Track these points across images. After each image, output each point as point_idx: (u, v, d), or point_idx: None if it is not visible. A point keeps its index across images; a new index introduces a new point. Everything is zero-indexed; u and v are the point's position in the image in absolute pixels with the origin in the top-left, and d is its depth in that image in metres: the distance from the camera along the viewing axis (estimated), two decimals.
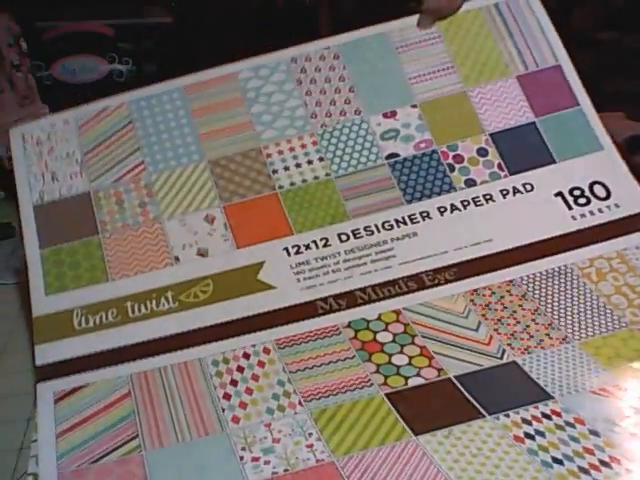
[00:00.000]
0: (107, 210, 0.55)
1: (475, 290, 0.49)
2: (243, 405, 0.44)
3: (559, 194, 0.53)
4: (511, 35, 0.57)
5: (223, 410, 0.44)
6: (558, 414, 0.41)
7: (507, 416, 0.41)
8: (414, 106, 0.57)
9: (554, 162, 0.54)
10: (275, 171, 0.55)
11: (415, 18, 0.58)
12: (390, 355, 0.46)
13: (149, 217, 0.54)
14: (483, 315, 0.48)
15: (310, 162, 0.55)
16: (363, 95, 0.57)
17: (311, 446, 0.41)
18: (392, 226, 0.53)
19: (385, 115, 0.56)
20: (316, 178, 0.55)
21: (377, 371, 0.45)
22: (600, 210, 0.52)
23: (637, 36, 0.71)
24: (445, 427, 0.41)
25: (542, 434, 0.39)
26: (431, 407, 0.43)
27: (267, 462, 0.40)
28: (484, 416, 0.41)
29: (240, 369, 0.46)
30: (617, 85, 0.54)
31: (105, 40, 0.81)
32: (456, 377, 0.44)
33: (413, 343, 0.47)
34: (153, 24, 0.82)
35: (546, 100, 0.56)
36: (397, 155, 0.55)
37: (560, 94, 0.56)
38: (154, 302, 0.51)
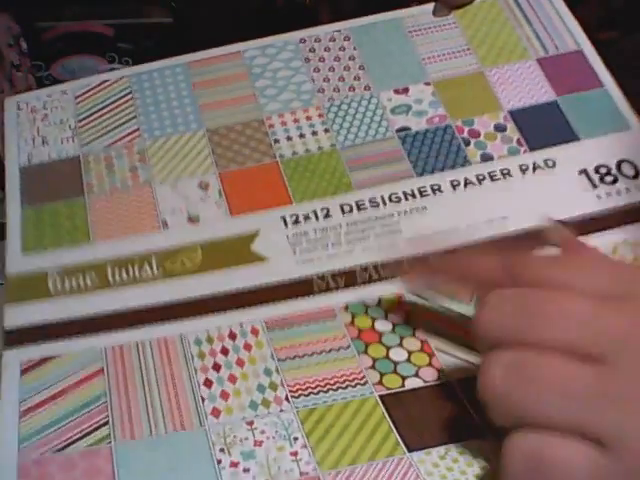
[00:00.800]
0: (95, 173, 0.50)
1: None
2: (225, 395, 0.40)
3: (583, 171, 0.48)
4: (529, 22, 0.54)
5: (203, 400, 0.39)
6: None
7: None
8: (427, 83, 0.52)
9: (578, 139, 0.49)
10: (277, 140, 0.50)
11: (430, 6, 0.55)
12: (388, 348, 0.42)
13: (139, 181, 0.49)
14: None
15: (315, 133, 0.51)
16: (373, 73, 0.53)
17: (295, 454, 0.36)
18: (400, 199, 0.48)
19: (396, 91, 0.52)
20: (320, 148, 0.50)
21: (373, 366, 0.41)
22: (628, 189, 0.46)
23: (637, 36, 0.68)
24: (442, 445, 0.36)
25: None
26: (428, 417, 0.38)
27: (246, 470, 0.35)
28: (485, 435, 0.36)
29: (224, 351, 0.42)
30: (617, 85, 0.52)
31: (105, 40, 0.78)
32: (458, 382, 0.40)
33: (414, 336, 0.42)
34: (153, 24, 0.80)
35: (568, 81, 0.51)
36: (408, 128, 0.50)
37: (583, 76, 0.51)
38: (136, 267, 0.46)
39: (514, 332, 0.31)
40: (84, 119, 0.53)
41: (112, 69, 0.77)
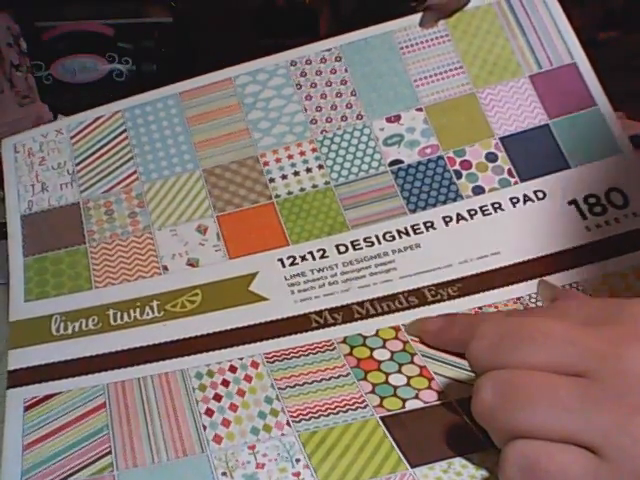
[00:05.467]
0: (96, 220, 0.54)
1: (480, 308, 0.48)
2: (226, 423, 0.42)
3: (573, 202, 0.51)
4: (524, 32, 0.55)
5: (204, 428, 0.42)
6: None
7: None
8: (419, 109, 0.54)
9: (568, 167, 0.52)
10: (272, 180, 0.54)
11: (419, 15, 0.56)
12: (387, 374, 0.44)
13: (139, 227, 0.53)
14: None
15: (309, 170, 0.54)
16: (366, 99, 0.55)
17: (298, 474, 0.38)
18: (394, 237, 0.51)
19: (389, 119, 0.55)
20: (315, 186, 0.53)
21: (373, 391, 0.43)
22: (617, 220, 0.50)
23: (637, 36, 0.70)
24: (444, 459, 0.38)
25: None
26: (430, 434, 0.40)
27: None
28: (487, 448, 0.38)
29: (225, 383, 0.45)
30: (617, 85, 0.53)
31: (105, 40, 0.81)
32: (457, 401, 0.42)
33: (412, 362, 0.45)
34: (153, 24, 0.83)
35: (560, 100, 0.53)
36: (401, 162, 0.53)
37: (576, 94, 0.53)
38: (138, 311, 0.49)
39: (502, 356, 0.34)
40: (82, 162, 0.56)
41: (112, 70, 0.80)
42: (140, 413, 0.43)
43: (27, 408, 0.44)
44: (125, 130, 0.56)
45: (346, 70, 0.56)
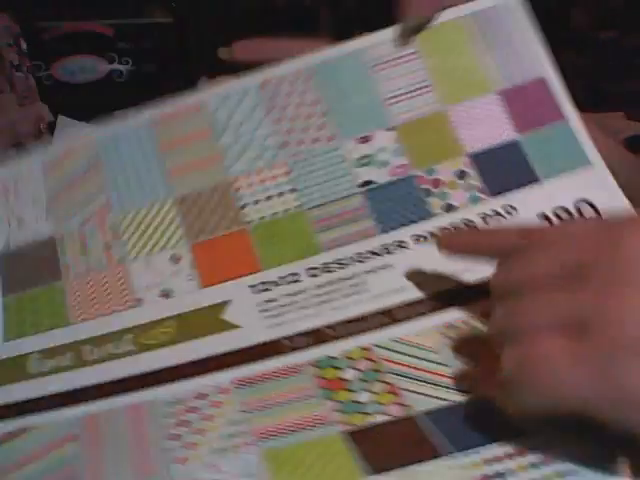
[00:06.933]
0: (71, 254, 0.55)
1: (450, 323, 0.49)
2: (192, 445, 0.43)
3: (542, 215, 0.52)
4: (491, 47, 0.56)
5: (169, 451, 0.43)
6: (523, 453, 0.40)
7: (467, 455, 0.40)
8: (390, 129, 0.56)
9: (538, 181, 0.53)
10: (244, 206, 0.55)
11: (390, 31, 0.57)
12: (354, 392, 0.46)
13: (113, 259, 0.55)
14: (457, 350, 0.47)
15: (281, 194, 0.55)
16: (337, 119, 0.56)
17: None
18: (366, 258, 0.53)
19: (360, 140, 0.55)
20: (287, 211, 0.54)
21: (339, 409, 0.45)
22: None
23: (637, 36, 0.71)
24: (401, 467, 0.40)
25: (502, 476, 0.38)
26: (394, 445, 0.41)
27: None
28: (442, 455, 0.40)
29: (193, 409, 0.46)
30: (617, 85, 0.54)
31: (105, 40, 0.83)
32: (424, 413, 0.43)
33: (380, 380, 0.46)
34: (153, 24, 0.84)
35: (529, 115, 0.54)
36: (371, 182, 0.54)
37: (544, 108, 0.54)
38: (112, 345, 0.51)
39: (516, 280, 0.38)
40: (55, 194, 0.57)
41: (111, 70, 0.81)
42: (109, 442, 0.44)
43: (0, 443, 0.46)
44: (98, 161, 0.58)
45: (317, 90, 0.57)
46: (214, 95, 0.58)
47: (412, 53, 0.57)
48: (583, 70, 0.55)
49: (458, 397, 0.44)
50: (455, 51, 0.56)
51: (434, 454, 0.40)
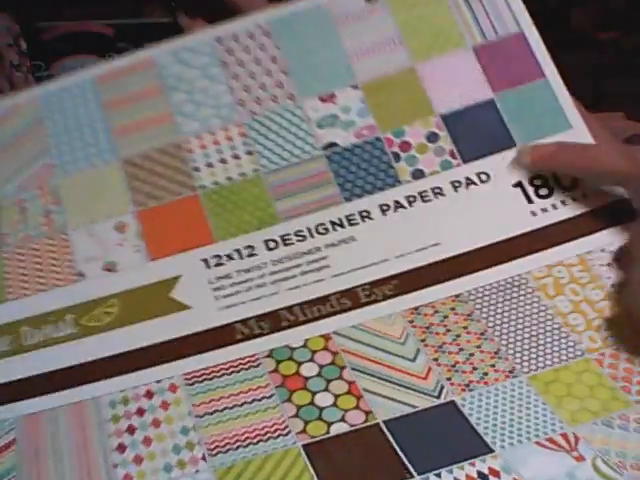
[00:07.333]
0: (8, 221, 0.51)
1: (416, 309, 0.45)
2: (138, 460, 0.41)
3: (518, 184, 0.48)
4: (467, 1, 0.52)
5: (115, 466, 0.41)
6: (496, 474, 0.37)
7: (438, 476, 0.38)
8: (355, 87, 0.51)
9: (514, 145, 0.49)
10: (197, 169, 0.50)
11: None
12: (313, 393, 0.43)
13: (53, 227, 0.50)
14: (422, 341, 0.44)
15: (237, 157, 0.51)
16: (297, 77, 0.52)
17: None
18: (327, 230, 0.49)
19: (322, 99, 0.51)
20: (243, 175, 0.50)
21: (296, 414, 0.42)
22: (564, 202, 0.47)
23: (637, 36, 0.68)
24: None
25: None
26: (353, 463, 0.39)
27: None
28: (412, 476, 0.37)
29: (140, 412, 0.43)
30: (617, 85, 0.51)
31: (105, 40, 0.82)
32: (385, 422, 0.41)
33: (341, 378, 0.43)
34: (153, 24, 0.83)
35: (506, 72, 0.50)
36: (335, 144, 0.50)
37: (522, 65, 0.50)
38: (52, 327, 0.47)
39: None
40: None
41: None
42: (50, 452, 0.41)
43: None
44: (41, 119, 0.53)
45: (276, 47, 0.52)
46: (165, 50, 0.53)
47: (380, 7, 0.52)
48: (583, 70, 0.51)
49: (423, 401, 0.41)
50: (427, 4, 0.52)
51: (404, 474, 0.37)
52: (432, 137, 0.50)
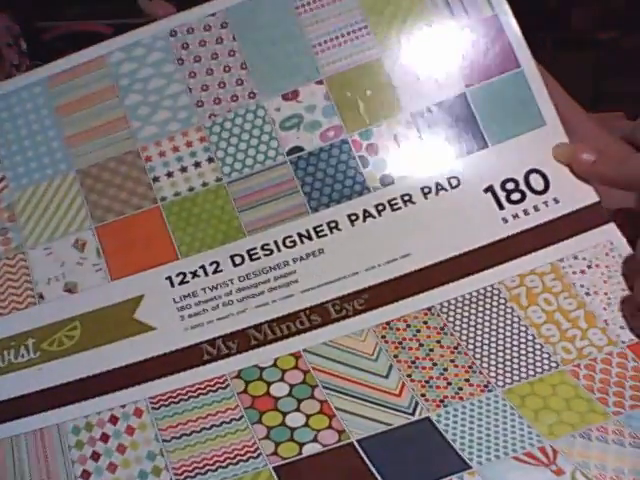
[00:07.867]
0: None
1: (388, 323, 0.44)
2: None
3: (489, 189, 0.47)
4: None
5: None
6: None
7: None
8: (320, 82, 0.49)
9: (486, 146, 0.47)
10: (156, 179, 0.49)
11: None
12: (284, 414, 0.42)
13: (10, 246, 0.49)
14: (395, 356, 0.43)
15: (198, 164, 0.49)
16: (258, 72, 0.49)
17: None
18: (294, 242, 0.48)
19: (285, 97, 0.49)
20: (205, 185, 0.48)
21: (267, 436, 0.41)
22: (536, 208, 0.46)
23: (637, 36, 0.68)
24: None
25: None
26: None
27: None
28: None
29: (104, 438, 0.42)
30: (617, 85, 0.50)
31: (105, 40, 0.80)
32: (359, 442, 0.40)
33: (312, 397, 0.42)
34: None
35: (479, 62, 0.48)
36: (301, 149, 0.48)
37: (496, 54, 0.48)
38: (13, 352, 0.46)
39: None
40: None
41: None
42: (12, 478, 0.40)
43: None
44: None
45: (234, 38, 0.50)
46: (116, 47, 0.51)
47: None
48: (583, 70, 0.50)
49: (397, 419, 0.40)
50: None
51: None
52: (400, 138, 0.48)
